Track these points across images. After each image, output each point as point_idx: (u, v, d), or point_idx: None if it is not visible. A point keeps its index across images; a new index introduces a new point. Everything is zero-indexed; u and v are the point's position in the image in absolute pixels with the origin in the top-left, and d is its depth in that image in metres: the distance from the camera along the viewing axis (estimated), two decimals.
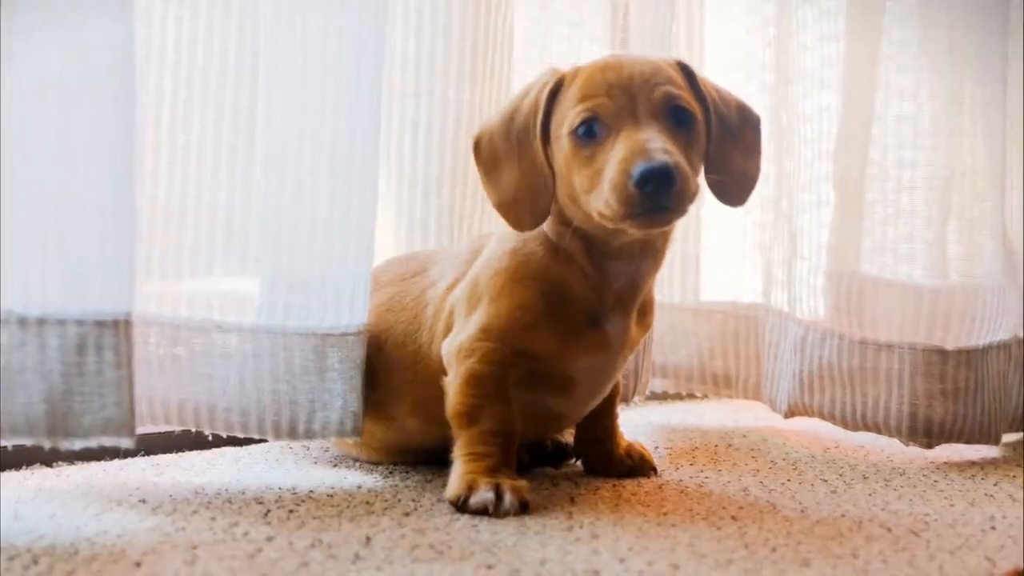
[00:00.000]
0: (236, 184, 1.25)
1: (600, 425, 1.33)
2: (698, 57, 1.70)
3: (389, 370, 1.27)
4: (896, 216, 1.55)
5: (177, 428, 1.25)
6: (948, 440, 1.49)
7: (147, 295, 1.23)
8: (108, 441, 1.06)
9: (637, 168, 1.07)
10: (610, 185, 1.09)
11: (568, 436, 1.39)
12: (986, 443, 1.52)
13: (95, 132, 1.06)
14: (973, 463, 1.46)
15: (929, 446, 1.50)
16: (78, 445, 1.06)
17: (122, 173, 1.08)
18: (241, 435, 1.25)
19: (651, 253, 1.21)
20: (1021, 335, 1.62)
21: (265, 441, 1.39)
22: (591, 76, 1.15)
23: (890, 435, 1.50)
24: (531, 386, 1.21)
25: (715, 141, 1.19)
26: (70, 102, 1.05)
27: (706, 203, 1.74)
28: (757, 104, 1.65)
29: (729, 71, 1.74)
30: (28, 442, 1.06)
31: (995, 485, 1.33)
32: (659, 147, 1.08)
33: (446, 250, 1.35)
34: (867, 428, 1.52)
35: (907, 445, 1.51)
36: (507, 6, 1.53)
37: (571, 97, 1.15)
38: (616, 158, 1.10)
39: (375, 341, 1.27)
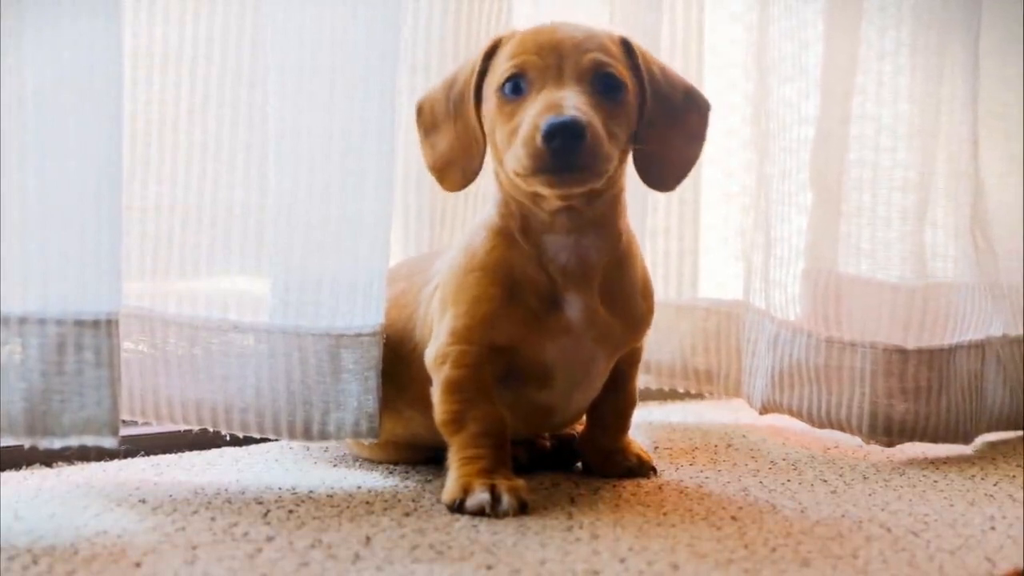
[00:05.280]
0: (251, 182, 1.26)
1: (605, 427, 1.32)
2: (696, 55, 1.69)
3: (394, 363, 1.27)
4: (870, 215, 1.55)
5: (195, 427, 1.26)
6: (910, 439, 1.50)
7: (166, 294, 1.23)
8: (89, 440, 1.07)
9: (545, 122, 1.07)
10: (522, 140, 1.10)
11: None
12: (954, 443, 1.52)
13: (79, 131, 1.06)
14: (973, 463, 1.46)
15: (890, 444, 1.50)
16: (57, 444, 1.06)
17: (107, 173, 1.08)
18: (257, 435, 1.26)
19: (591, 227, 1.19)
20: (1016, 334, 1.62)
21: (267, 440, 1.39)
22: (524, 37, 1.17)
23: (852, 433, 1.51)
24: (512, 381, 1.21)
25: (651, 119, 1.19)
26: (52, 101, 1.05)
27: (704, 203, 1.76)
28: (753, 102, 1.67)
29: (725, 69, 1.74)
30: (7, 440, 1.06)
31: (995, 485, 1.33)
32: (572, 104, 1.09)
33: (446, 250, 1.36)
34: (832, 426, 1.52)
35: (867, 443, 1.52)
36: (499, 4, 1.53)
37: (503, 56, 1.17)
38: (530, 113, 1.11)
39: (386, 333, 1.27)
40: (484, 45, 1.21)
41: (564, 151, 1.08)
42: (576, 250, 1.19)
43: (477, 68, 1.19)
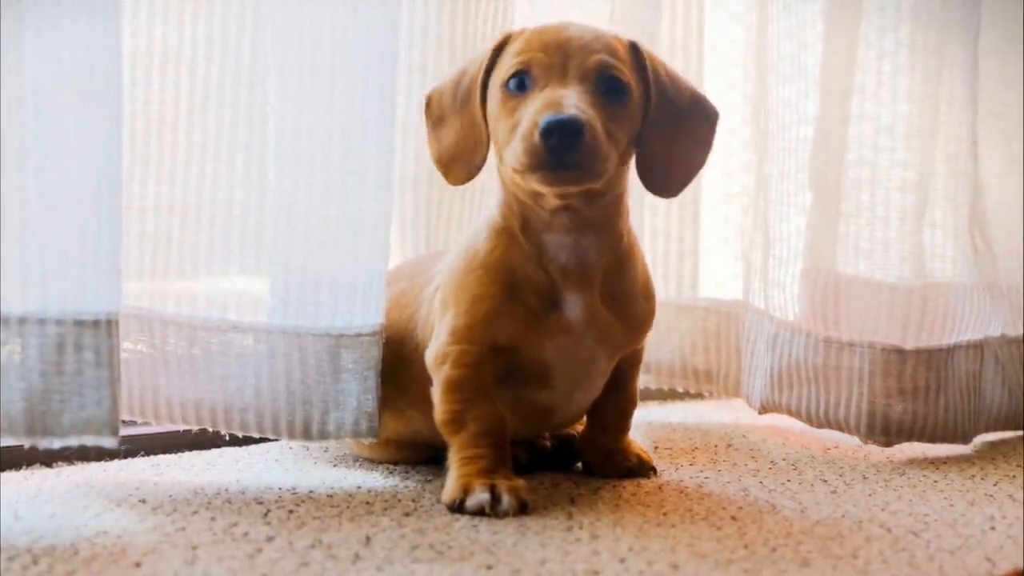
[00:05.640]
0: (251, 182, 1.26)
1: (606, 427, 1.32)
2: (696, 55, 1.69)
3: (396, 363, 1.27)
4: (868, 215, 1.55)
5: (195, 427, 1.26)
6: (908, 439, 1.50)
7: (165, 294, 1.23)
8: (89, 440, 1.06)
9: (544, 119, 1.08)
10: (520, 136, 1.10)
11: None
12: (952, 443, 1.52)
13: (79, 131, 1.06)
14: (973, 463, 1.46)
15: (888, 444, 1.50)
16: (57, 444, 1.06)
17: (107, 173, 1.08)
18: (257, 435, 1.26)
19: (591, 227, 1.19)
20: (1015, 334, 1.62)
21: (267, 441, 1.39)
22: (532, 35, 1.17)
23: (850, 433, 1.51)
24: (511, 381, 1.21)
25: (655, 124, 1.19)
26: (52, 101, 1.05)
27: (704, 204, 1.76)
28: (752, 102, 1.67)
29: (725, 69, 1.73)
30: (7, 440, 1.06)
31: (995, 485, 1.33)
32: (572, 103, 1.09)
33: (448, 251, 1.36)
34: (830, 426, 1.52)
35: (865, 443, 1.52)
36: (496, 4, 1.53)
37: (510, 53, 1.17)
38: (531, 110, 1.11)
39: (386, 334, 1.27)
40: (494, 40, 1.21)
41: (561, 149, 1.08)
42: (576, 250, 1.19)
43: (485, 63, 1.19)
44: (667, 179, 1.24)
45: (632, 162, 1.22)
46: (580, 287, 1.19)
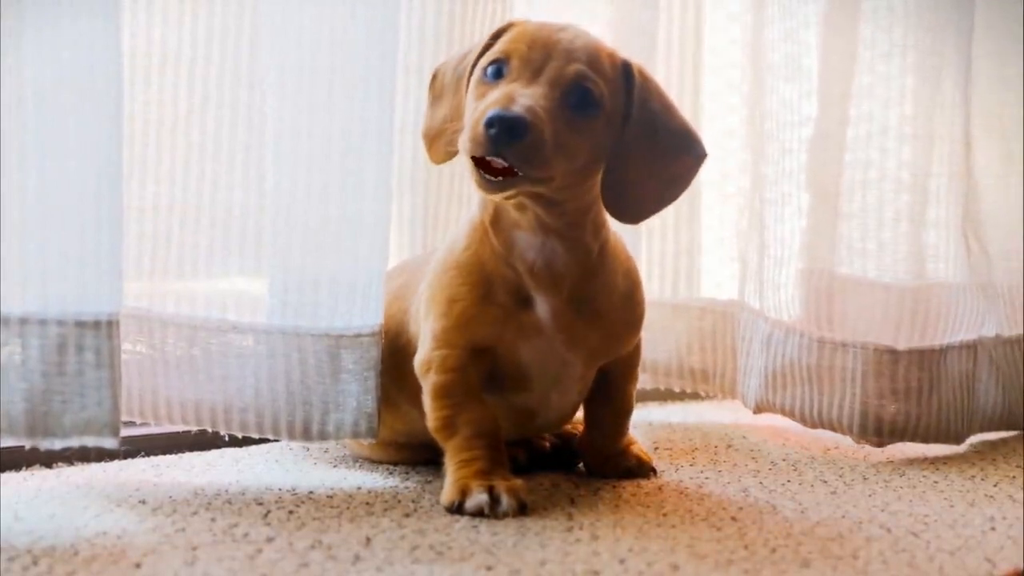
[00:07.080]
0: (250, 183, 1.26)
1: (603, 430, 1.32)
2: (693, 55, 1.69)
3: (393, 358, 1.27)
4: (861, 216, 1.56)
5: (195, 428, 1.27)
6: (901, 439, 1.50)
7: (164, 294, 1.24)
8: (90, 441, 1.06)
9: (491, 111, 1.07)
10: (470, 121, 1.10)
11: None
12: (945, 443, 1.53)
13: (79, 131, 1.06)
14: (973, 463, 1.46)
15: (880, 445, 1.51)
16: (58, 445, 1.06)
17: (107, 173, 1.08)
18: (256, 435, 1.26)
19: (555, 234, 1.18)
20: (1010, 334, 1.63)
21: (267, 441, 1.39)
22: (526, 28, 1.17)
23: (843, 433, 1.52)
24: (491, 384, 1.21)
25: (632, 148, 1.17)
26: (51, 100, 1.05)
27: (703, 204, 1.76)
28: (748, 103, 1.67)
29: (724, 69, 1.73)
30: (8, 441, 1.07)
31: (995, 486, 1.33)
32: (526, 103, 1.08)
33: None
34: (823, 426, 1.53)
35: (858, 443, 1.52)
36: (494, 5, 1.53)
37: (502, 40, 1.17)
38: (488, 99, 1.11)
39: (386, 327, 1.27)
40: (498, 26, 1.21)
41: (498, 142, 1.06)
42: (543, 251, 1.18)
43: (481, 47, 1.19)
44: (633, 205, 1.20)
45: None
46: (548, 289, 1.19)
